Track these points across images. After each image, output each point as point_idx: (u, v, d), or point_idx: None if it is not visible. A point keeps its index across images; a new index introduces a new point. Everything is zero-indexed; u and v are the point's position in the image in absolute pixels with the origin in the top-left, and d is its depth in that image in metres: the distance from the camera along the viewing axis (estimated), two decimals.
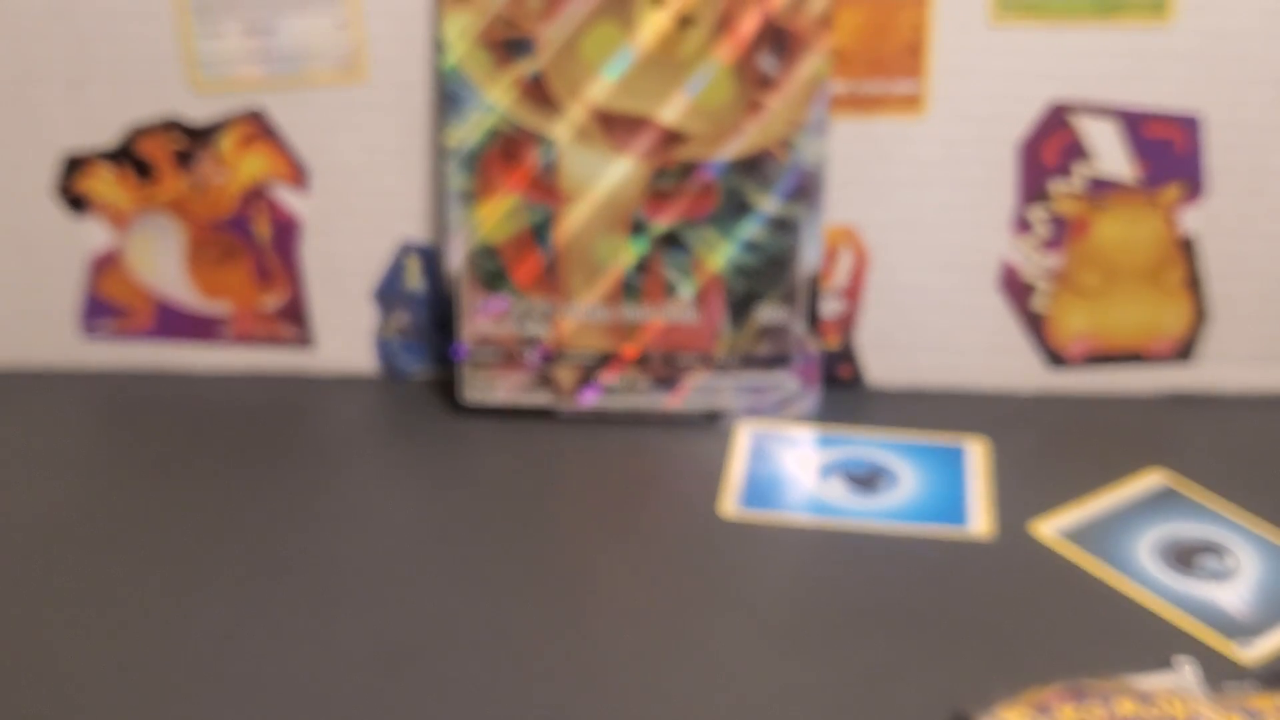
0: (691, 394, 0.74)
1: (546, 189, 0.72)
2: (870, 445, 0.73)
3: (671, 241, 0.72)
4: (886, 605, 0.61)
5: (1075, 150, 0.72)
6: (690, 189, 0.71)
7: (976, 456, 0.72)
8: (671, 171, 0.71)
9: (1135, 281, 0.75)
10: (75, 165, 0.75)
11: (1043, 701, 0.52)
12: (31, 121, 0.74)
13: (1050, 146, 0.72)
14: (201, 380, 0.79)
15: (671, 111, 0.70)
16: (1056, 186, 0.73)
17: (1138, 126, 0.72)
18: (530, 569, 0.64)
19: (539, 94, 0.70)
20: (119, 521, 0.67)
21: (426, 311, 0.77)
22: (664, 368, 0.74)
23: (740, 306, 0.73)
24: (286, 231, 0.76)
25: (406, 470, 0.72)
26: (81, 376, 0.79)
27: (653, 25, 0.69)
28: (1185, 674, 0.55)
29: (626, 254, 0.72)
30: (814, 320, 0.73)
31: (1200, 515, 0.67)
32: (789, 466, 0.71)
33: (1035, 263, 0.75)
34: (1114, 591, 0.62)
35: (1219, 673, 0.56)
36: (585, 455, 0.72)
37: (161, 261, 0.77)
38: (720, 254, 0.72)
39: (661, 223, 0.72)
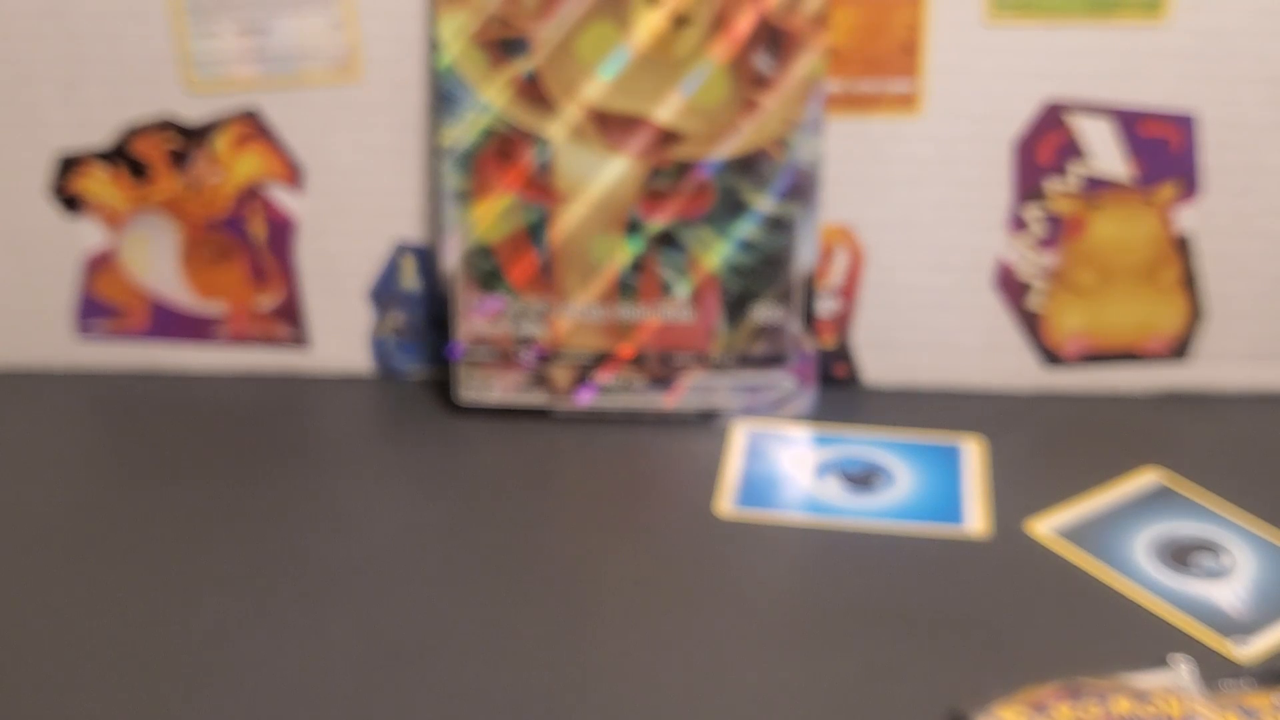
0: (687, 393, 0.74)
1: (542, 188, 0.72)
2: (866, 444, 0.73)
3: (667, 241, 0.72)
4: (883, 604, 0.61)
5: (1070, 149, 0.72)
6: (686, 188, 0.71)
7: (972, 455, 0.72)
8: (667, 171, 0.71)
9: (1131, 280, 0.75)
10: (70, 165, 0.75)
11: (1039, 700, 0.52)
12: (26, 122, 0.74)
13: (1045, 145, 0.72)
14: (197, 380, 0.79)
15: (667, 111, 0.70)
16: (1052, 185, 0.73)
17: (1133, 125, 0.72)
18: (526, 568, 0.64)
19: (534, 93, 0.70)
20: (113, 521, 0.67)
21: (422, 311, 0.77)
22: (660, 367, 0.74)
23: (736, 306, 0.73)
24: (282, 231, 0.76)
25: (402, 469, 0.72)
26: (76, 377, 0.79)
27: (648, 24, 0.69)
28: (1181, 672, 0.55)
29: (622, 253, 0.72)
30: (810, 319, 0.73)
31: (1196, 514, 0.67)
32: (785, 465, 0.71)
33: (1031, 261, 0.75)
34: (1110, 590, 0.62)
35: (1215, 671, 0.56)
36: (581, 455, 0.72)
37: (156, 261, 0.77)
38: (716, 253, 0.72)
39: (657, 222, 0.72)
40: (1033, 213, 0.74)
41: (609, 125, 0.70)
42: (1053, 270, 0.75)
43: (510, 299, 0.73)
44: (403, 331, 0.78)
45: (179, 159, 0.75)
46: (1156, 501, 0.68)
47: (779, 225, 0.72)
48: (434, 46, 0.71)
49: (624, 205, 0.72)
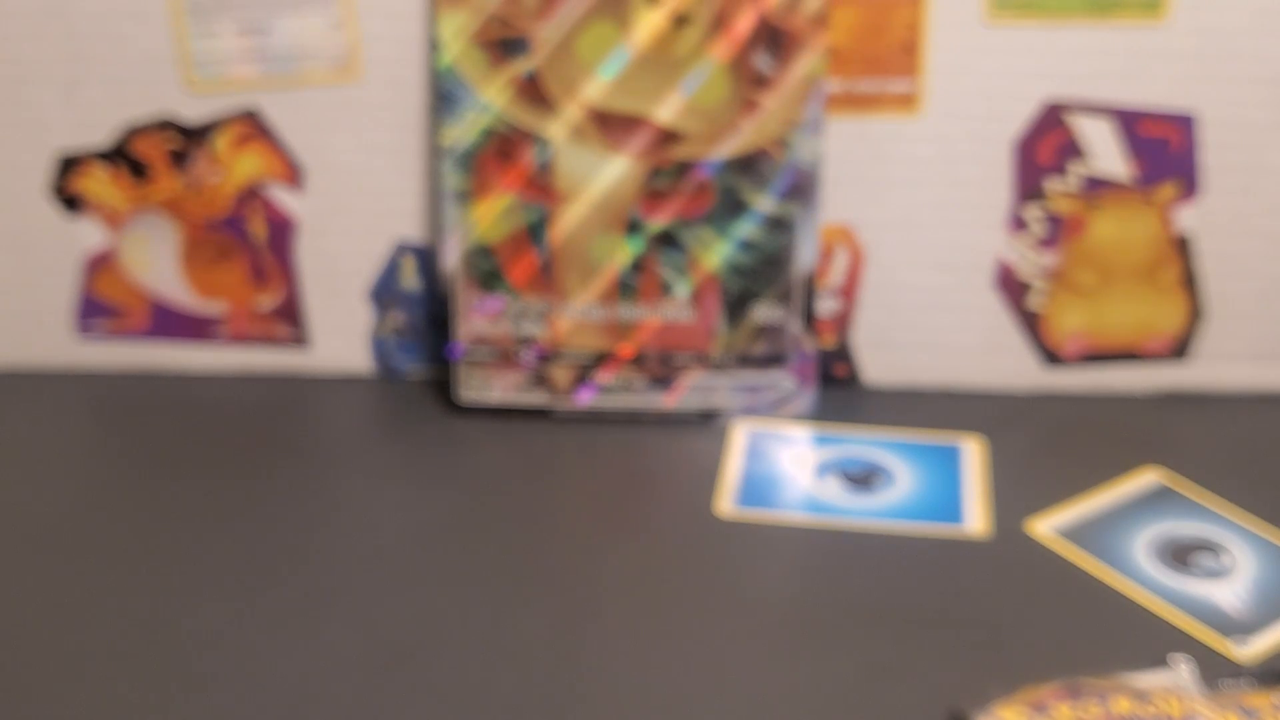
0: (687, 393, 0.74)
1: (542, 188, 0.72)
2: (866, 444, 0.73)
3: (667, 241, 0.72)
4: (883, 604, 0.61)
5: (1070, 149, 0.72)
6: (686, 188, 0.71)
7: (972, 455, 0.72)
8: (667, 171, 0.71)
9: (1131, 280, 0.75)
10: (70, 165, 0.75)
11: (1039, 700, 0.52)
12: (26, 121, 0.74)
13: (1046, 145, 0.72)
14: (197, 380, 0.79)
15: (667, 111, 0.70)
16: (1052, 185, 0.73)
17: (1133, 125, 0.72)
18: (526, 568, 0.64)
19: (534, 93, 0.70)
20: (113, 522, 0.67)
21: (422, 311, 0.77)
22: (660, 367, 0.74)
23: (736, 305, 0.73)
24: (282, 231, 0.76)
25: (402, 469, 0.72)
26: (76, 377, 0.79)
27: (648, 24, 0.69)
28: (1182, 672, 0.55)
29: (622, 253, 0.72)
30: (810, 319, 0.73)
31: (1196, 513, 0.67)
32: (785, 465, 0.71)
33: (1031, 261, 0.75)
34: (1110, 590, 0.62)
35: (1215, 671, 0.56)
36: (581, 454, 0.72)
37: (156, 261, 0.77)
38: (716, 253, 0.72)
39: (657, 222, 0.72)
40: (1033, 213, 0.74)
41: (609, 125, 0.70)
42: (1053, 270, 0.75)
43: (510, 299, 0.73)
44: (403, 331, 0.78)
45: (179, 159, 0.75)
46: (1156, 501, 0.68)
47: (779, 225, 0.72)
48: (434, 46, 0.71)
49: (624, 205, 0.72)
